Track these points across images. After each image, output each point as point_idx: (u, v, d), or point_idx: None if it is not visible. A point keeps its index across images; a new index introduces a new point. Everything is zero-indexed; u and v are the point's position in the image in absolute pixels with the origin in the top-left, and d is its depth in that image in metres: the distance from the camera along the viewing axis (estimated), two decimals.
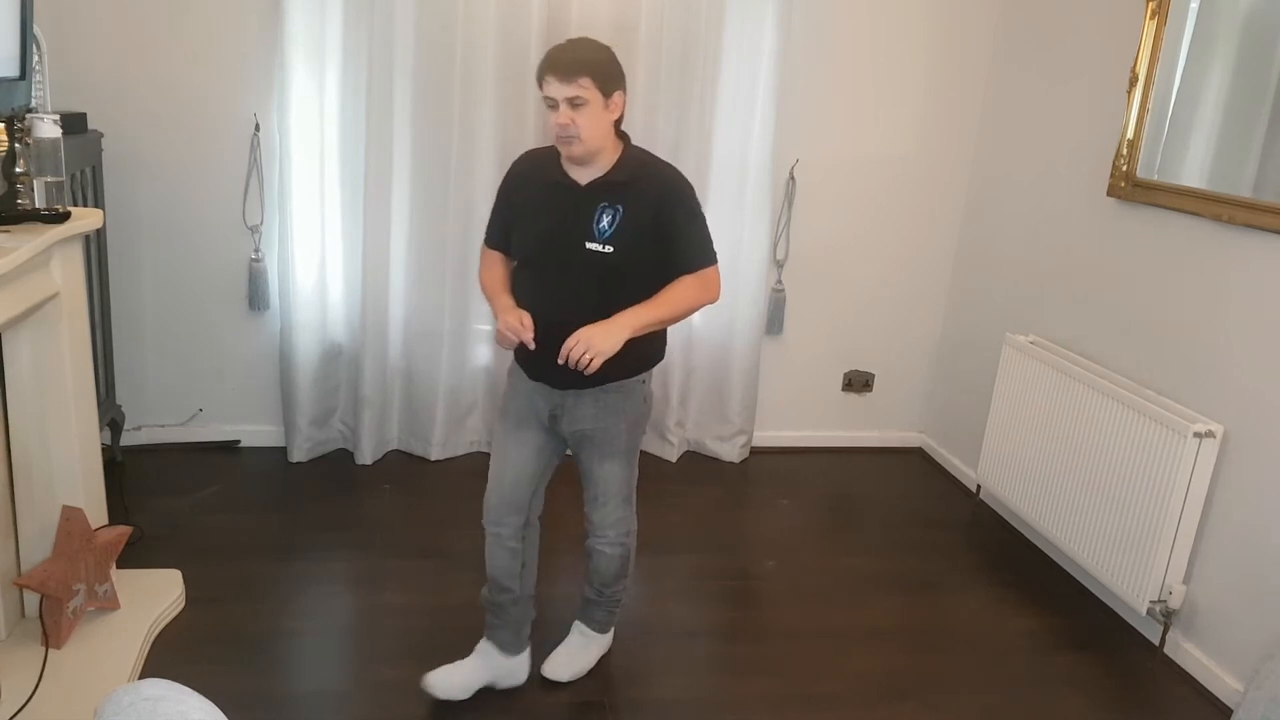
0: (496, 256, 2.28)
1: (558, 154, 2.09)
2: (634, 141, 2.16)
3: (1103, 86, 3.04)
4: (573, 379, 2.06)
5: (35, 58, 2.55)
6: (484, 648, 2.34)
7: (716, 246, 2.19)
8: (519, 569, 2.30)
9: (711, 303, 2.15)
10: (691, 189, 2.15)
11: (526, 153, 2.26)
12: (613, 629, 2.52)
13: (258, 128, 3.30)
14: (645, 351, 2.15)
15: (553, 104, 1.99)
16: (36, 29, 2.42)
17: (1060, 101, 3.31)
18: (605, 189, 2.07)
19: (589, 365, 1.95)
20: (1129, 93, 2.88)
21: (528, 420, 2.23)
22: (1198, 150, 2.75)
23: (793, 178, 3.67)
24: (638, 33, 3.33)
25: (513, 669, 2.36)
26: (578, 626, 2.47)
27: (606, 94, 2.00)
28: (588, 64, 1.97)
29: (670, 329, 2.25)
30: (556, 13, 3.29)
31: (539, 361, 2.10)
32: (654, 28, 3.34)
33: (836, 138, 3.70)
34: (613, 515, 2.29)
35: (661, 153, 3.39)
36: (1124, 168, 2.91)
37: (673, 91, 3.43)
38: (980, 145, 3.79)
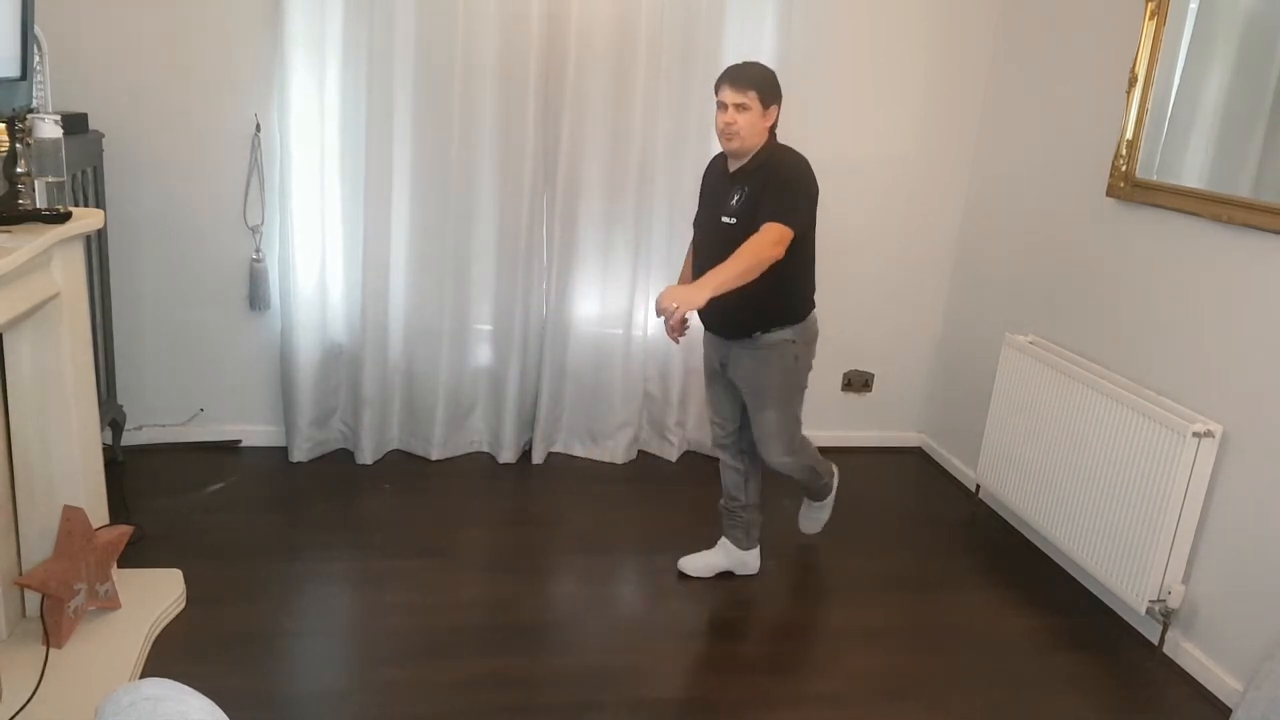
0: (694, 239, 2.79)
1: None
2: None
3: (1102, 86, 3.04)
4: (731, 330, 2.64)
5: (36, 58, 2.55)
6: (723, 543, 2.94)
7: None
8: (744, 483, 2.87)
9: (773, 256, 2.40)
10: (797, 170, 2.51)
11: (714, 158, 2.74)
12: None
13: (258, 128, 3.30)
14: (776, 308, 2.58)
15: (724, 107, 2.50)
16: (37, 29, 2.42)
17: (1060, 101, 3.31)
18: (742, 175, 2.56)
19: (674, 314, 2.35)
20: (1128, 93, 2.88)
21: (712, 368, 2.79)
22: (1197, 150, 2.75)
23: None
24: (638, 33, 3.33)
25: (745, 560, 2.95)
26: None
27: (765, 105, 2.50)
28: (755, 80, 2.49)
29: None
30: (556, 13, 3.29)
31: (705, 315, 2.61)
32: (654, 28, 3.34)
33: (836, 138, 3.70)
34: (776, 458, 2.72)
35: (661, 152, 3.47)
36: (1123, 168, 2.91)
37: (673, 91, 3.44)
38: (980, 145, 3.79)
